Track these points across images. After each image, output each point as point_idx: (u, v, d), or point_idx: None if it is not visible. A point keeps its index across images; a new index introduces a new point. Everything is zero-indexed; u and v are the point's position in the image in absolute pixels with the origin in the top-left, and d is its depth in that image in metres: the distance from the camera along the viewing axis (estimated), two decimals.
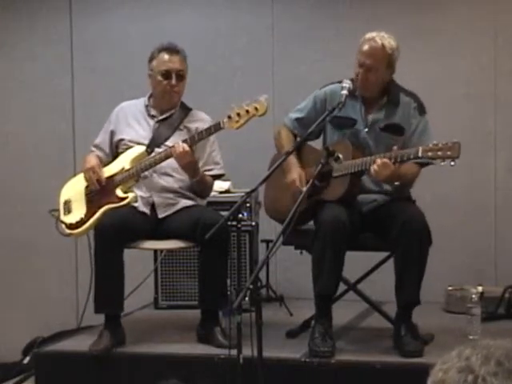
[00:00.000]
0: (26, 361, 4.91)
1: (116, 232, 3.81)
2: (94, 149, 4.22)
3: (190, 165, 3.91)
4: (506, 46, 5.10)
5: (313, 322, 3.80)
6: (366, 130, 3.88)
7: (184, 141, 3.88)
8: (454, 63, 5.18)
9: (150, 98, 4.18)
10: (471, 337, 3.83)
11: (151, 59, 4.09)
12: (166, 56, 4.05)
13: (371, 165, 3.62)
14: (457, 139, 3.46)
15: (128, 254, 3.94)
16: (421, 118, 3.88)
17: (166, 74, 4.03)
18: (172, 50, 4.06)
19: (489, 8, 5.13)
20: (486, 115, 5.14)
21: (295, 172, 3.92)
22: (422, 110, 3.89)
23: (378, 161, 3.59)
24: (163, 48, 4.06)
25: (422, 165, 3.80)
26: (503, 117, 5.13)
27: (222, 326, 3.92)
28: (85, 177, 4.08)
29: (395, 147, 3.64)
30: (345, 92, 3.67)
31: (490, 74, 5.12)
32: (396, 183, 3.77)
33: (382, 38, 3.77)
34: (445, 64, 5.17)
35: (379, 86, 3.85)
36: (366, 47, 3.78)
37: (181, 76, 4.06)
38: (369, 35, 3.80)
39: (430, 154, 3.51)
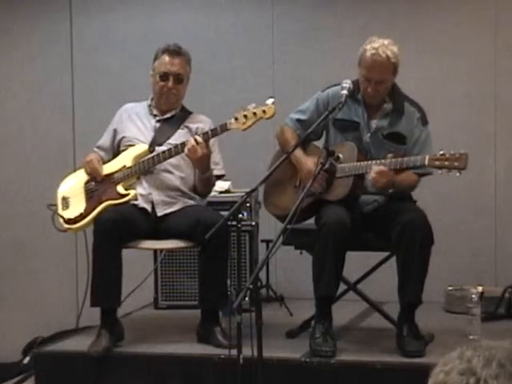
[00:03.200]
0: (25, 361, 4.92)
1: (116, 227, 3.80)
2: (96, 150, 4.23)
3: (202, 159, 3.86)
4: (505, 46, 5.10)
5: (313, 323, 3.81)
6: (369, 135, 3.88)
7: (198, 135, 3.87)
8: (454, 63, 5.18)
9: (152, 98, 4.19)
10: (471, 337, 3.83)
11: (154, 59, 4.09)
12: (166, 58, 4.04)
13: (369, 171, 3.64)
14: (464, 150, 3.47)
15: (128, 254, 3.93)
16: (423, 128, 3.87)
17: (164, 76, 4.04)
18: (174, 52, 4.04)
19: (489, 8, 5.13)
20: (486, 115, 5.14)
21: (310, 162, 3.86)
22: (425, 120, 3.89)
23: (376, 168, 3.60)
24: (166, 49, 4.05)
25: (421, 174, 3.80)
26: (503, 117, 5.13)
27: (222, 326, 3.91)
28: (85, 170, 4.10)
29: (390, 155, 3.64)
30: (345, 92, 3.64)
31: (490, 74, 5.12)
32: (390, 191, 3.77)
33: (385, 49, 3.70)
34: (445, 64, 5.18)
35: (387, 92, 3.85)
36: (370, 62, 3.72)
37: (179, 79, 4.06)
38: (370, 47, 3.73)
39: (436, 163, 3.51)
